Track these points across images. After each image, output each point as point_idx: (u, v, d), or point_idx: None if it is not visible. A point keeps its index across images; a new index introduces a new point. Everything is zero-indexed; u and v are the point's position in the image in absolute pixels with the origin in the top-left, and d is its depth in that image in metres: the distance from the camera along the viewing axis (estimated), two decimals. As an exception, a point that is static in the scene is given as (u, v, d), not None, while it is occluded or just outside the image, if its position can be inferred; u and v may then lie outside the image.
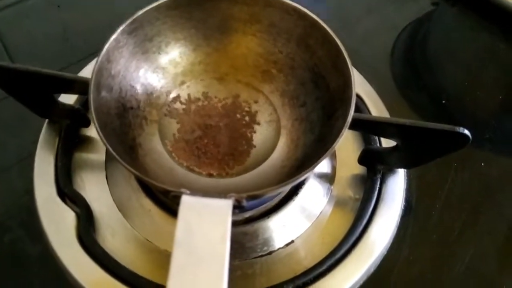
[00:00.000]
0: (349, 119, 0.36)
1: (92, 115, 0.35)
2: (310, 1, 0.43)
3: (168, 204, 0.42)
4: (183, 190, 0.32)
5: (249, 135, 0.45)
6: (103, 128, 0.35)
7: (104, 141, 0.34)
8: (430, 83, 0.57)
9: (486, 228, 0.46)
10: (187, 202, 0.31)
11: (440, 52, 0.62)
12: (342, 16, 0.64)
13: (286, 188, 0.42)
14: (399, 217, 0.45)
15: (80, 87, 0.40)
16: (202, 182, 0.41)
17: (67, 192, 0.43)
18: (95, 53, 0.40)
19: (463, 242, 0.45)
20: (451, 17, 0.66)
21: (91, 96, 0.36)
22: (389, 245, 0.43)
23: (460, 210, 0.46)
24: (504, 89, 0.57)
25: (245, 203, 0.33)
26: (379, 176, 0.45)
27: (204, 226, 0.30)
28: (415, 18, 0.64)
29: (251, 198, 0.33)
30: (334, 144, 0.35)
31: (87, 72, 0.50)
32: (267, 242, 0.42)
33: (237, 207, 0.32)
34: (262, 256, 0.42)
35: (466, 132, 0.37)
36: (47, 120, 0.47)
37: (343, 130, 0.36)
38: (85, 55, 0.54)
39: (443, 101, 0.54)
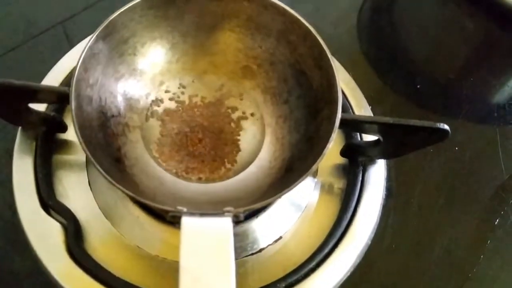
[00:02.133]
0: (337, 123, 0.37)
1: (77, 133, 0.34)
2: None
3: (158, 211, 0.42)
4: (180, 208, 0.32)
5: (234, 134, 0.44)
6: (89, 145, 0.34)
7: (94, 162, 0.33)
8: (402, 64, 0.58)
9: (461, 211, 0.48)
10: (188, 225, 0.31)
11: (406, 25, 0.62)
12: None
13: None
14: (381, 206, 0.46)
15: (54, 97, 0.39)
16: (192, 189, 0.41)
17: (51, 204, 0.42)
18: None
19: (441, 227, 0.47)
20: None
21: (74, 112, 0.35)
22: (373, 234, 0.45)
23: (438, 196, 0.48)
24: (474, 71, 0.58)
25: (242, 215, 0.33)
26: (361, 167, 0.46)
27: (208, 248, 0.30)
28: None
29: (247, 211, 0.34)
30: (324, 151, 0.35)
31: (49, 80, 0.48)
32: (256, 240, 0.43)
33: (236, 220, 0.33)
34: (252, 254, 0.42)
35: (446, 127, 0.39)
36: (20, 127, 0.45)
37: (332, 136, 0.36)
38: (53, 53, 0.51)
39: (418, 86, 0.55)
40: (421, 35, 0.61)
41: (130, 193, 0.32)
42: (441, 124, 0.38)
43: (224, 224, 0.31)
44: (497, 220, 0.48)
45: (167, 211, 0.32)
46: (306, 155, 0.39)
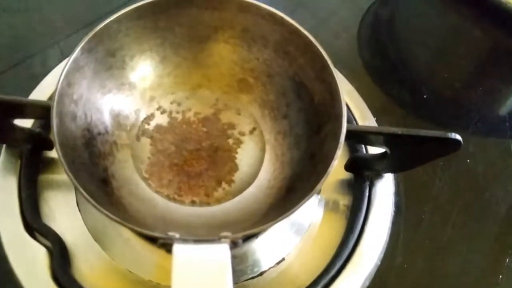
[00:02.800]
0: (342, 139, 0.34)
1: (59, 153, 0.31)
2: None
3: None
4: (171, 235, 0.29)
5: (231, 154, 0.42)
6: (71, 165, 0.32)
7: (77, 185, 0.30)
8: (407, 75, 0.56)
9: (476, 228, 0.45)
10: (180, 253, 0.28)
11: (408, 35, 0.60)
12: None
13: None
14: (390, 224, 0.43)
15: (38, 111, 0.37)
16: (185, 212, 0.38)
17: (36, 227, 0.39)
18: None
19: (455, 245, 0.44)
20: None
21: (55, 130, 0.32)
22: (382, 254, 0.42)
23: (450, 211, 0.45)
24: (482, 80, 0.56)
25: (240, 241, 0.30)
26: (367, 182, 0.44)
27: (203, 279, 0.28)
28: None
29: (246, 236, 0.31)
30: (329, 170, 0.33)
31: (36, 94, 0.46)
32: (257, 262, 0.40)
33: (233, 246, 0.30)
34: (253, 278, 0.40)
35: (458, 137, 0.36)
36: (4, 145, 0.43)
37: (337, 152, 0.33)
38: (43, 69, 0.49)
39: (425, 96, 0.52)
40: (425, 45, 0.59)
41: (117, 219, 0.30)
42: (452, 134, 0.36)
43: (220, 252, 0.29)
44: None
45: (157, 238, 0.29)
46: (308, 174, 0.37)
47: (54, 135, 0.32)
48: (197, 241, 0.29)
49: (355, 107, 0.48)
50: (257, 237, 0.40)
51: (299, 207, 0.32)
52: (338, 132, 0.34)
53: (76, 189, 0.41)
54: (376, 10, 0.61)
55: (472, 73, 0.57)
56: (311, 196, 0.32)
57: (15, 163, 0.42)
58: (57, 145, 0.32)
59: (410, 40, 0.60)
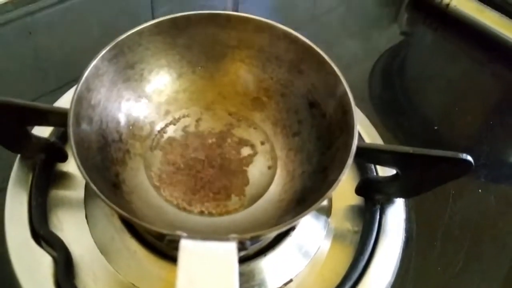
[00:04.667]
0: (353, 149, 0.34)
1: (73, 149, 0.32)
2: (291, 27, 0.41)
3: (157, 245, 0.39)
4: (179, 232, 0.29)
5: (242, 168, 0.42)
6: (84, 164, 0.32)
7: (87, 178, 0.30)
8: (418, 110, 0.57)
9: (489, 258, 0.44)
10: (187, 248, 0.28)
11: (421, 77, 0.62)
12: (321, 41, 0.62)
13: (292, 225, 0.39)
14: (401, 250, 0.42)
15: (56, 119, 0.37)
16: (195, 221, 0.38)
17: (43, 234, 0.39)
18: (68, 83, 0.37)
19: (468, 274, 0.42)
20: (431, 43, 0.66)
21: (71, 129, 0.33)
22: (392, 280, 0.41)
23: (462, 240, 0.44)
24: (492, 114, 0.56)
25: (248, 244, 0.30)
26: (378, 206, 0.43)
27: (208, 274, 0.27)
28: (393, 45, 0.64)
29: (255, 238, 0.30)
30: (340, 177, 0.33)
31: (61, 103, 0.47)
32: (263, 282, 0.39)
33: (240, 249, 0.29)
34: (259, 297, 0.39)
35: (469, 158, 0.36)
36: (19, 155, 0.43)
37: (348, 161, 0.33)
38: (58, 85, 0.50)
39: (435, 127, 0.52)
40: (436, 83, 0.60)
41: (123, 213, 0.30)
42: (464, 154, 0.36)
43: (228, 250, 0.28)
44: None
45: (164, 235, 0.29)
46: (319, 186, 0.36)
47: (70, 132, 0.33)
48: (205, 238, 0.28)
49: (366, 134, 0.49)
50: (265, 254, 0.39)
51: (308, 213, 0.31)
52: (349, 143, 0.34)
53: (90, 201, 0.42)
54: (392, 51, 0.63)
55: (484, 108, 0.57)
56: (321, 203, 0.32)
57: (28, 173, 0.43)
58: (72, 141, 0.32)
59: (422, 77, 0.61)
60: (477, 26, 0.61)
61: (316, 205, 0.32)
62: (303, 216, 0.31)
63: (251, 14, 0.43)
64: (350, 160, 0.33)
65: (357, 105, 0.50)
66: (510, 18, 0.60)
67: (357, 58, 0.61)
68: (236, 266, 0.28)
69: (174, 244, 0.29)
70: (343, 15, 0.69)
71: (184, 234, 0.29)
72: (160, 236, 0.30)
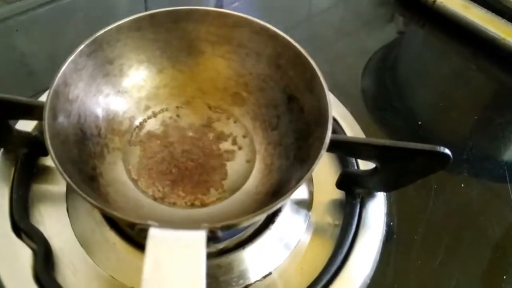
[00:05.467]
0: (327, 140, 0.34)
1: (47, 142, 0.32)
2: (283, 27, 0.42)
3: (135, 237, 0.39)
4: (150, 222, 0.29)
5: (221, 162, 0.42)
6: (59, 156, 0.32)
7: (60, 169, 0.31)
8: (404, 105, 0.57)
9: (470, 252, 0.44)
10: (155, 236, 0.28)
11: (411, 75, 0.62)
12: (316, 40, 0.63)
13: (263, 216, 0.40)
14: (381, 243, 0.43)
15: (35, 112, 0.37)
16: (171, 213, 0.38)
17: (23, 226, 0.39)
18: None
19: (448, 268, 0.42)
20: (420, 41, 0.67)
21: (46, 122, 0.33)
22: (372, 273, 0.41)
23: (443, 234, 0.44)
24: (477, 109, 0.56)
25: (220, 234, 0.30)
26: (358, 200, 0.43)
27: (175, 262, 0.27)
28: (386, 43, 0.64)
29: (226, 228, 0.30)
30: (313, 167, 0.33)
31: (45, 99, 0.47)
32: (242, 274, 0.39)
33: (212, 239, 0.30)
34: (238, 290, 0.39)
35: (447, 151, 0.36)
36: (1, 149, 0.44)
37: (321, 152, 0.33)
38: (44, 81, 0.51)
39: (419, 122, 0.53)
40: (422, 78, 0.61)
41: (94, 202, 0.30)
42: (441, 147, 0.36)
43: (196, 238, 0.28)
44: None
45: (134, 224, 0.29)
46: (295, 179, 0.36)
47: (45, 125, 0.33)
48: (174, 227, 0.29)
49: (349, 128, 0.49)
50: (244, 247, 0.40)
51: (280, 202, 0.32)
52: (323, 135, 0.34)
53: (72, 195, 0.42)
54: (384, 49, 0.63)
55: (468, 104, 0.57)
56: (292, 193, 0.32)
57: (10, 167, 0.43)
58: (46, 133, 0.32)
59: (409, 73, 0.62)
60: (463, 23, 0.61)
61: (287, 196, 0.32)
62: (274, 207, 0.32)
63: (245, 13, 0.43)
64: (323, 151, 0.33)
65: (345, 100, 0.51)
66: (495, 14, 0.60)
67: (350, 57, 0.62)
68: (204, 254, 0.28)
69: (144, 233, 0.29)
70: (338, 15, 0.69)
71: (155, 224, 0.29)
72: (132, 226, 0.30)
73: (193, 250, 0.28)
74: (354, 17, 0.69)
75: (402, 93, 0.59)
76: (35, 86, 0.51)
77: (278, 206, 0.32)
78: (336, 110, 0.50)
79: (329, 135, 0.35)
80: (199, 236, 0.28)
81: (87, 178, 0.36)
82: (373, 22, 0.68)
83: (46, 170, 0.44)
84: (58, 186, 0.43)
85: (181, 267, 0.27)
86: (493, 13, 0.60)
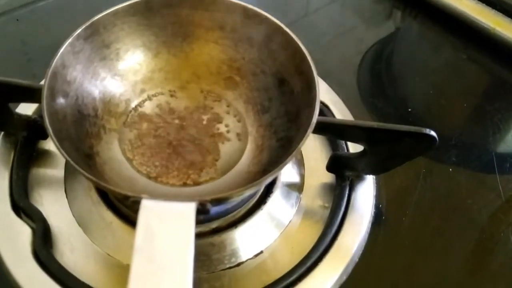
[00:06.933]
0: (314, 120, 0.35)
1: (45, 120, 0.33)
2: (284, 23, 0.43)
3: (131, 217, 0.40)
4: (143, 195, 0.30)
5: (214, 143, 0.43)
6: (57, 134, 0.34)
7: (58, 145, 0.32)
8: (395, 93, 0.58)
9: (456, 234, 0.45)
10: (147, 206, 0.29)
11: (404, 66, 0.63)
12: (314, 34, 0.64)
13: (252, 191, 0.41)
14: (370, 224, 0.44)
15: (34, 94, 0.39)
16: (164, 190, 0.39)
17: (22, 206, 0.41)
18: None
19: (435, 249, 0.44)
20: (415, 32, 0.68)
21: (44, 101, 0.34)
22: (360, 253, 0.42)
23: (431, 217, 0.46)
24: (467, 98, 0.58)
25: (209, 207, 0.31)
26: (347, 183, 0.45)
27: (166, 230, 0.28)
28: (383, 37, 0.66)
29: (215, 201, 0.32)
30: (300, 145, 0.34)
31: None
32: (235, 253, 0.41)
33: (202, 212, 0.31)
34: (230, 268, 0.40)
35: (433, 133, 0.37)
36: (2, 132, 0.45)
37: (308, 131, 0.35)
38: (43, 68, 0.52)
39: (409, 109, 0.54)
40: (415, 69, 0.62)
41: (90, 176, 0.31)
42: (427, 129, 0.37)
43: (186, 209, 0.30)
44: (497, 244, 0.44)
45: (127, 197, 0.31)
46: (283, 156, 0.38)
47: (43, 103, 0.34)
48: (166, 199, 0.30)
49: (339, 114, 0.50)
50: (236, 227, 0.41)
51: (266, 179, 0.33)
52: (311, 115, 0.35)
53: (70, 177, 0.43)
54: (380, 42, 0.65)
55: (458, 92, 0.58)
56: (278, 171, 0.33)
57: (10, 149, 0.44)
58: (44, 111, 0.34)
59: (403, 64, 0.64)
60: (454, 14, 0.62)
61: (275, 171, 0.33)
62: (263, 181, 0.33)
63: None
64: (310, 130, 0.35)
65: (340, 90, 0.52)
66: (486, 5, 0.61)
67: (349, 50, 0.63)
68: (193, 225, 0.29)
69: (137, 207, 0.30)
70: (337, 10, 0.70)
71: (147, 196, 0.30)
72: (126, 200, 0.31)
73: (183, 220, 0.29)
74: (352, 12, 0.70)
75: (395, 82, 0.60)
76: (35, 73, 0.53)
77: (267, 181, 0.34)
78: (328, 97, 0.51)
79: (316, 115, 0.36)
80: (189, 208, 0.30)
81: (84, 156, 0.37)
82: (372, 18, 0.69)
83: (45, 153, 0.46)
84: (56, 169, 0.45)
85: (172, 237, 0.29)
86: (484, 4, 0.61)
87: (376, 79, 0.59)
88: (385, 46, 0.65)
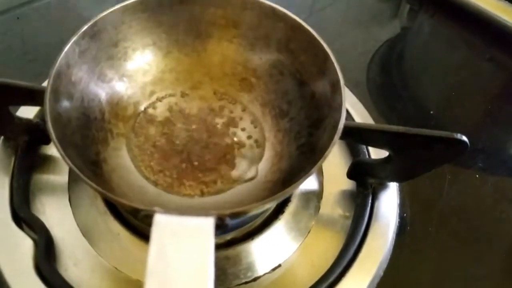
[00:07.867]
0: (341, 126, 0.33)
1: (48, 124, 0.31)
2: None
3: (140, 227, 0.38)
4: (156, 208, 0.27)
5: (228, 150, 0.41)
6: (61, 140, 0.31)
7: (61, 152, 0.29)
8: (413, 95, 0.56)
9: (485, 244, 0.42)
10: (161, 222, 0.26)
11: (420, 66, 0.61)
12: (325, 31, 0.62)
13: (273, 204, 0.38)
14: (394, 235, 0.41)
15: (36, 96, 0.36)
16: (176, 201, 0.37)
17: (23, 216, 0.38)
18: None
19: (463, 261, 0.41)
20: (431, 31, 0.65)
21: (47, 103, 0.32)
22: (385, 266, 0.40)
23: (458, 226, 0.43)
24: (491, 100, 0.55)
25: (228, 221, 0.28)
26: (370, 190, 0.42)
27: (182, 250, 0.26)
28: (394, 35, 0.63)
29: (234, 215, 0.29)
30: (326, 154, 0.31)
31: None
32: (251, 266, 0.38)
33: (220, 227, 0.28)
34: (246, 283, 0.37)
35: (464, 138, 0.35)
36: (1, 137, 0.43)
37: (334, 138, 0.32)
38: (45, 68, 0.50)
39: (431, 112, 0.51)
40: (433, 69, 0.59)
41: (97, 187, 0.28)
42: (459, 134, 0.35)
43: (204, 225, 0.27)
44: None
45: (139, 210, 0.28)
46: (306, 166, 0.35)
47: (46, 106, 0.32)
48: (180, 213, 0.27)
49: (359, 116, 0.47)
50: (252, 238, 0.39)
51: (291, 190, 0.31)
52: (337, 120, 0.33)
53: (74, 184, 0.41)
54: (391, 40, 0.62)
55: (482, 94, 0.56)
56: (303, 181, 0.31)
57: (10, 155, 0.42)
58: (47, 115, 0.31)
59: (419, 63, 0.61)
60: (473, 10, 0.60)
61: (298, 184, 0.30)
62: (285, 194, 0.30)
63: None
64: (337, 136, 0.32)
65: (353, 90, 0.50)
66: (509, 2, 0.59)
67: (357, 49, 0.61)
68: (212, 243, 0.26)
69: (149, 221, 0.27)
70: (343, 9, 0.68)
71: (160, 209, 0.27)
72: (136, 213, 0.29)
73: (200, 238, 0.26)
74: (360, 10, 0.67)
75: (411, 83, 0.57)
76: (36, 74, 0.50)
77: (289, 193, 0.31)
78: (346, 98, 0.49)
79: (343, 120, 0.33)
80: (207, 223, 0.27)
81: (89, 163, 0.35)
82: (380, 16, 0.66)
83: (47, 159, 0.43)
84: (60, 175, 0.42)
85: (188, 256, 0.26)
86: (506, 1, 0.59)
87: (388, 80, 0.57)
88: (396, 44, 0.62)
